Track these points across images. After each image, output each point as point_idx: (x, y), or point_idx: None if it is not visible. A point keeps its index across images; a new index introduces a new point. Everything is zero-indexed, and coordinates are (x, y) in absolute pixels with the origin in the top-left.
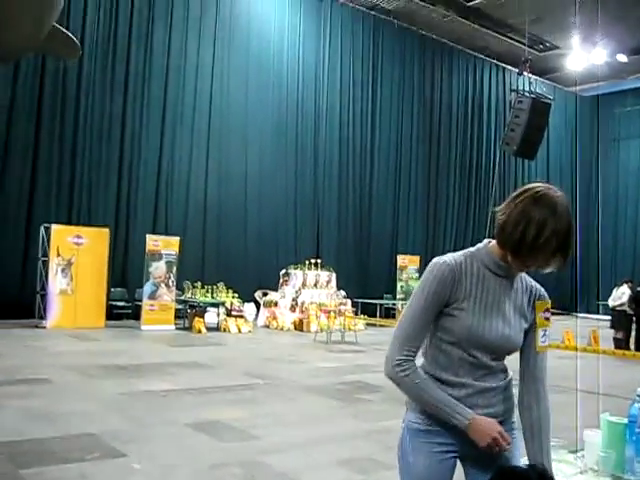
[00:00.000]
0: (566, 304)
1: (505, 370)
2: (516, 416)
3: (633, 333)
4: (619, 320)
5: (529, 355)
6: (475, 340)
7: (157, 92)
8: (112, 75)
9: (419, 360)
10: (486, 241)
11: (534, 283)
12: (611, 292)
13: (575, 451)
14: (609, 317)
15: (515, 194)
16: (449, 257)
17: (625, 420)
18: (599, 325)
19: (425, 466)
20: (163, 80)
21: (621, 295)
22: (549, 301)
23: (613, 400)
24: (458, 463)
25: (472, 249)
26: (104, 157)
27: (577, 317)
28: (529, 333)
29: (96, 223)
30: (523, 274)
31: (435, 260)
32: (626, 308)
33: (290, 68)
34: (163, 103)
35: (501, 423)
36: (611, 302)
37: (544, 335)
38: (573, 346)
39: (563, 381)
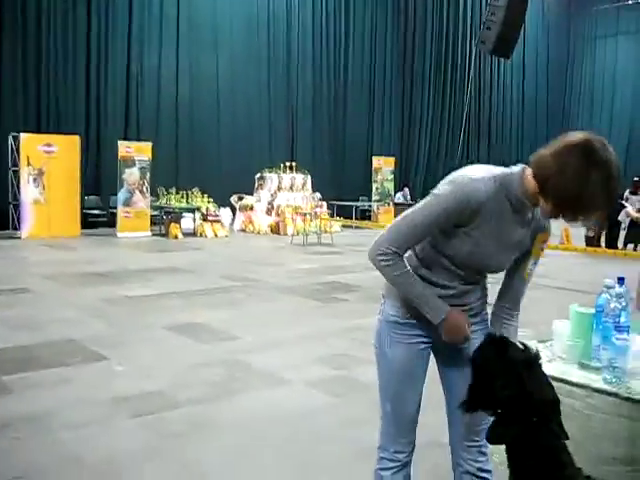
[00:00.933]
0: None
1: (485, 277)
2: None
3: (604, 231)
4: None
5: (514, 278)
6: (471, 264)
7: None
8: None
9: (409, 252)
10: (520, 168)
11: (540, 215)
12: None
13: (544, 341)
14: None
15: (567, 143)
16: (481, 180)
17: (592, 310)
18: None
19: (402, 356)
20: None
21: None
22: (550, 233)
23: (584, 295)
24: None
25: (506, 172)
26: (70, 62)
27: None
28: (521, 259)
29: (66, 130)
30: None
31: (465, 179)
32: None
33: None
34: (129, 4)
35: (475, 315)
36: None
37: (534, 264)
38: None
39: (537, 278)
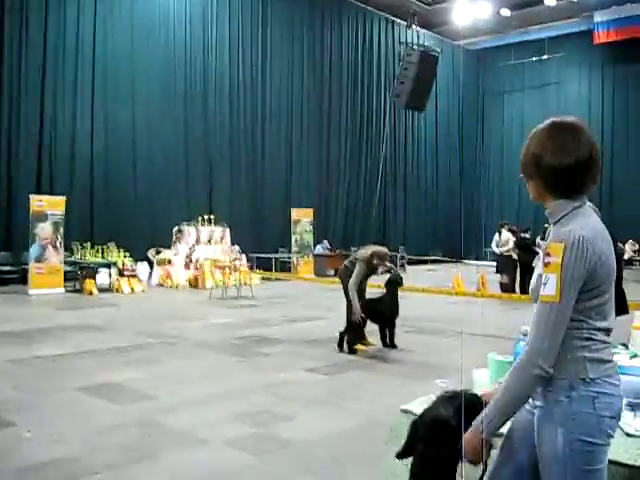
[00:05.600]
0: (457, 252)
1: None
2: None
3: (518, 277)
4: (505, 265)
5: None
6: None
7: (36, 44)
8: None
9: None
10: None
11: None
12: (492, 238)
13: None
14: (495, 262)
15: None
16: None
17: (510, 358)
18: (488, 271)
19: None
20: (42, 30)
21: (507, 241)
22: (552, 244)
23: (501, 341)
24: None
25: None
26: None
27: (462, 263)
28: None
29: None
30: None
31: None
32: (512, 253)
33: (178, 15)
34: (43, 55)
35: None
36: (496, 248)
37: (543, 282)
38: (462, 291)
39: (454, 325)
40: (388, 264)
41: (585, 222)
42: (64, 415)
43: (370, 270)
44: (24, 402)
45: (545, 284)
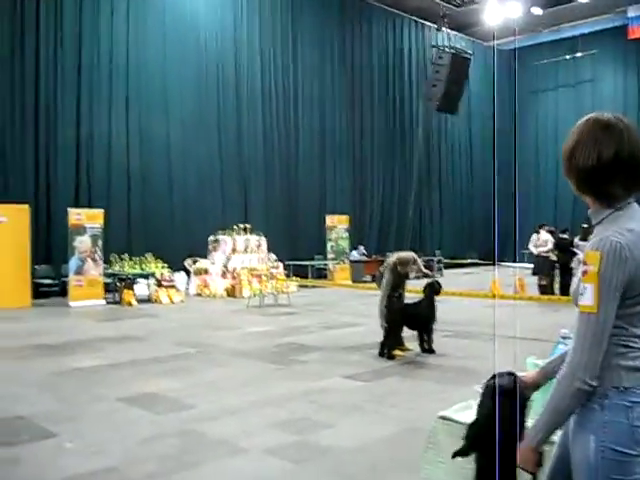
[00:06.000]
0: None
1: None
2: None
3: (557, 279)
4: (543, 266)
5: None
6: None
7: (71, 58)
8: (21, 42)
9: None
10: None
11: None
12: (529, 239)
13: None
14: (532, 264)
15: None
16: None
17: None
18: (525, 273)
19: None
20: (76, 46)
21: (545, 242)
22: (589, 251)
23: (541, 344)
24: None
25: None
26: (18, 129)
27: (500, 265)
28: None
29: (14, 199)
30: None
31: None
32: (550, 254)
33: (208, 28)
34: (77, 70)
35: None
36: (534, 249)
37: (580, 292)
38: (500, 294)
39: (492, 328)
40: (424, 269)
41: (625, 226)
42: (104, 426)
43: (399, 277)
44: (64, 413)
45: (582, 294)
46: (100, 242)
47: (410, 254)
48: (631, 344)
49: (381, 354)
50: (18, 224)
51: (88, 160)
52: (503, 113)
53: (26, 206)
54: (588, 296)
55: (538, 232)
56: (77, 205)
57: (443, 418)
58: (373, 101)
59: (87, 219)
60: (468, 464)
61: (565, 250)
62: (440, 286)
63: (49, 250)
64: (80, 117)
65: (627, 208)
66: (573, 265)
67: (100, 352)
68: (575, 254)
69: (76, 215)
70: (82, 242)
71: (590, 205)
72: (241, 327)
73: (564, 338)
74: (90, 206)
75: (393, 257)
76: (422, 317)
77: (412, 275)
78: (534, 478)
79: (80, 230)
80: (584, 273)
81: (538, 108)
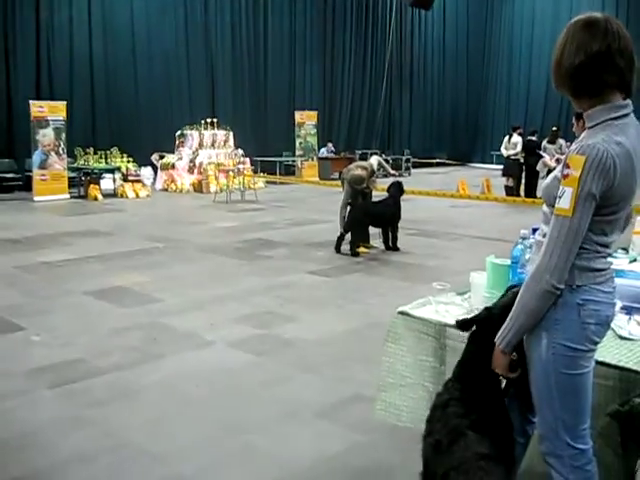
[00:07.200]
0: (463, 155)
1: None
2: None
3: (523, 180)
4: (511, 168)
5: None
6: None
7: None
8: None
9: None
10: None
11: None
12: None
13: (463, 293)
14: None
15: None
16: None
17: (508, 261)
18: (493, 174)
19: None
20: None
21: (515, 144)
22: (573, 155)
23: (503, 244)
24: None
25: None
26: None
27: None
28: None
29: None
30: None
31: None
32: (520, 157)
33: None
34: None
35: None
36: (504, 151)
37: (559, 195)
38: (467, 194)
39: (457, 228)
40: (391, 171)
41: (615, 138)
42: (71, 319)
43: (356, 192)
44: (32, 307)
45: (561, 197)
46: (64, 135)
47: (366, 170)
48: (587, 246)
49: (337, 249)
50: None
51: (49, 51)
52: (479, 12)
53: None
54: (565, 200)
55: (511, 135)
56: (39, 97)
57: (402, 313)
58: None
59: (50, 112)
60: (427, 357)
61: (532, 152)
62: (402, 186)
63: (11, 144)
64: (39, 5)
65: (621, 120)
66: (538, 168)
67: (67, 246)
68: (541, 157)
69: (38, 108)
70: (45, 135)
71: (587, 110)
72: (208, 222)
73: (523, 239)
74: (52, 98)
75: (348, 175)
76: (387, 215)
77: (373, 186)
78: (509, 383)
79: (42, 123)
80: (565, 176)
81: (514, 7)
